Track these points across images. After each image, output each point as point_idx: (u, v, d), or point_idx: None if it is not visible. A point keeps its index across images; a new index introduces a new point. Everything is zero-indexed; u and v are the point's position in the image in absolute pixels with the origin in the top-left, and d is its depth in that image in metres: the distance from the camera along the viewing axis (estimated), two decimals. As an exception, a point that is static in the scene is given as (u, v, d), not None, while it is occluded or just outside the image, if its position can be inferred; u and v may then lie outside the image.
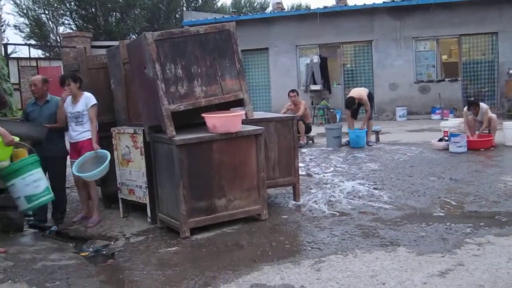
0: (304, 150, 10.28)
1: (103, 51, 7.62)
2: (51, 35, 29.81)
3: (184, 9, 30.37)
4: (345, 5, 17.22)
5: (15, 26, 29.48)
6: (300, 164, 7.65)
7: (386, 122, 15.25)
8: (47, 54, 27.48)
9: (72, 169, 5.93)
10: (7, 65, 11.24)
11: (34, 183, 5.28)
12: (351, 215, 5.63)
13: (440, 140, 9.77)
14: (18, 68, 16.76)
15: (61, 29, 29.52)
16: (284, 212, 5.93)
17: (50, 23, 29.74)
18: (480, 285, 3.61)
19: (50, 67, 18.32)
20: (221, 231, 5.25)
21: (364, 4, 16.31)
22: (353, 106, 10.76)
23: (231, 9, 33.20)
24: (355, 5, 16.59)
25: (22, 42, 27.18)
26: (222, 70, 5.40)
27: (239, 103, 5.64)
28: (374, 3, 16.23)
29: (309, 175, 7.90)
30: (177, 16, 31.07)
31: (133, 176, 5.87)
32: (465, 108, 9.96)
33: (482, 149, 9.16)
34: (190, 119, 5.63)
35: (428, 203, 5.96)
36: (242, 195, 5.39)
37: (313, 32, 16.71)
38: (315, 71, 16.52)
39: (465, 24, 15.57)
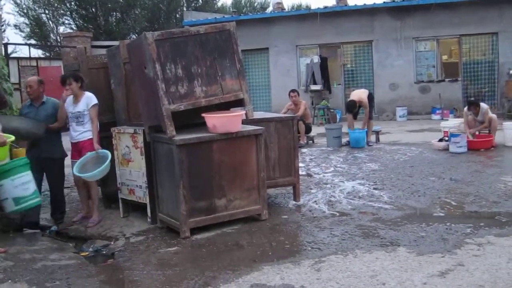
0: (304, 150, 10.28)
1: (103, 51, 7.62)
2: (51, 35, 29.82)
3: (185, 9, 30.37)
4: (346, 5, 17.22)
5: (15, 25, 29.52)
6: (300, 164, 7.65)
7: (386, 122, 15.25)
8: (47, 54, 27.48)
9: (73, 169, 5.93)
10: (7, 65, 11.21)
11: (23, 186, 5.24)
12: (351, 215, 5.63)
13: (440, 140, 9.76)
14: (18, 68, 16.75)
15: (61, 29, 29.55)
16: (284, 212, 5.93)
17: (50, 23, 29.75)
18: (480, 285, 3.61)
19: (50, 67, 18.31)
20: (221, 231, 5.25)
21: (365, 4, 16.31)
22: (354, 110, 10.79)
23: (231, 9, 33.20)
24: (356, 5, 16.59)
25: (22, 42, 27.19)
26: (222, 70, 5.40)
27: (239, 103, 5.64)
28: (374, 3, 16.23)
29: (309, 175, 7.90)
30: (177, 16, 31.07)
31: (133, 176, 5.87)
32: (465, 108, 9.96)
33: (482, 150, 9.16)
34: (190, 119, 5.63)
35: (428, 203, 5.96)
36: (242, 195, 5.39)
37: (313, 32, 16.71)
38: (315, 71, 16.52)
39: (466, 24, 15.56)
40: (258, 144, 5.43)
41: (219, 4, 36.77)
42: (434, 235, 4.75)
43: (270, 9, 31.50)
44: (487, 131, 9.72)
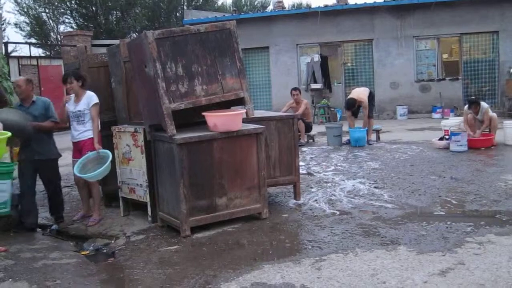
0: (304, 149, 10.28)
1: (103, 50, 7.62)
2: (52, 34, 29.83)
3: (185, 7, 30.36)
4: (346, 4, 17.24)
5: (15, 24, 29.54)
6: (301, 163, 7.65)
7: (387, 121, 15.25)
8: (48, 53, 27.45)
9: (73, 169, 5.92)
10: (8, 64, 11.21)
11: None
12: (352, 214, 5.63)
13: (441, 139, 9.76)
14: (19, 66, 16.75)
15: (61, 27, 29.56)
16: (284, 211, 5.93)
17: (51, 21, 29.74)
18: (481, 284, 3.61)
19: (50, 66, 18.30)
20: (221, 230, 5.25)
21: (365, 3, 16.29)
22: (353, 108, 10.77)
23: (231, 8, 33.15)
24: (356, 3, 16.58)
25: (23, 41, 27.19)
26: (222, 68, 5.40)
27: (239, 102, 5.64)
28: (375, 2, 16.21)
29: (309, 174, 7.90)
30: (177, 14, 31.05)
31: (134, 174, 5.87)
32: (466, 107, 9.96)
33: (482, 148, 9.16)
34: (190, 118, 5.63)
35: (429, 202, 5.96)
36: (242, 193, 5.39)
37: (314, 31, 16.72)
38: (315, 69, 16.52)
39: (466, 23, 15.56)
40: (258, 143, 5.43)
41: (220, 2, 36.83)
42: (435, 234, 4.75)
43: (270, 7, 31.48)
44: (488, 130, 9.72)
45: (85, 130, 5.99)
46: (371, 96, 10.97)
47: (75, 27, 28.03)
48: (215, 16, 18.45)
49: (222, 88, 5.39)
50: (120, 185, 6.10)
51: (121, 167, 6.04)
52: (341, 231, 5.02)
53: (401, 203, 5.96)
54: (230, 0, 38.03)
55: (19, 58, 17.53)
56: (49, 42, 28.55)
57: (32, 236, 5.82)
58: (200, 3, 32.49)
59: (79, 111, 5.97)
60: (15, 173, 5.98)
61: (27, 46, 20.69)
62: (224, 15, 19.64)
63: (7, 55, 15.83)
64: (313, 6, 36.17)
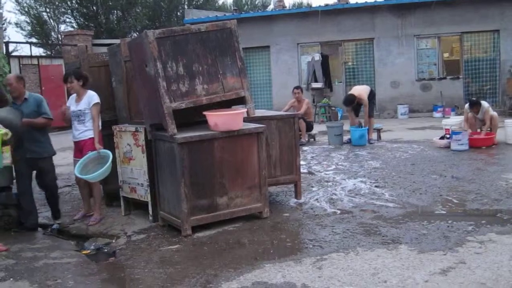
0: (305, 148, 10.27)
1: (104, 49, 7.63)
2: (53, 33, 29.82)
3: (186, 7, 30.35)
4: (347, 3, 17.23)
5: (16, 24, 29.56)
6: (302, 162, 7.65)
7: (388, 120, 15.24)
8: (49, 52, 27.47)
9: (74, 169, 5.92)
10: (9, 63, 11.23)
11: None
12: (353, 213, 5.62)
13: (442, 138, 9.75)
14: (20, 66, 16.77)
15: (62, 27, 29.55)
16: (285, 210, 5.93)
17: (52, 21, 29.74)
18: (482, 283, 3.61)
19: (51, 65, 18.32)
20: (222, 229, 5.25)
21: (366, 2, 16.27)
22: (351, 104, 10.72)
23: (232, 7, 33.14)
24: (357, 2, 16.57)
25: (24, 40, 27.20)
26: (223, 68, 5.40)
27: (240, 101, 5.64)
28: (375, 1, 16.19)
29: (310, 173, 7.90)
30: (178, 14, 31.04)
31: (135, 174, 5.87)
32: (466, 106, 9.96)
33: (483, 147, 9.15)
34: (191, 117, 5.63)
35: (430, 201, 5.96)
36: (243, 193, 5.39)
37: (315, 30, 16.71)
38: (316, 69, 16.52)
39: (467, 21, 15.55)
40: (259, 142, 5.43)
41: (220, 2, 36.76)
42: (436, 233, 4.75)
43: (271, 7, 31.49)
44: (489, 129, 9.71)
45: (86, 130, 5.99)
46: (372, 95, 10.95)
47: (75, 26, 28.03)
48: (216, 16, 18.44)
49: (223, 88, 5.38)
50: (121, 185, 6.10)
51: (122, 167, 6.04)
52: (342, 230, 5.02)
53: (402, 202, 5.96)
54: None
55: (20, 57, 17.56)
56: (49, 42, 28.56)
57: (33, 235, 5.83)
58: (200, 2, 32.47)
59: (80, 110, 5.97)
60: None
61: (28, 45, 20.73)
62: (224, 15, 19.63)
63: (8, 55, 15.84)
64: (313, 5, 36.22)
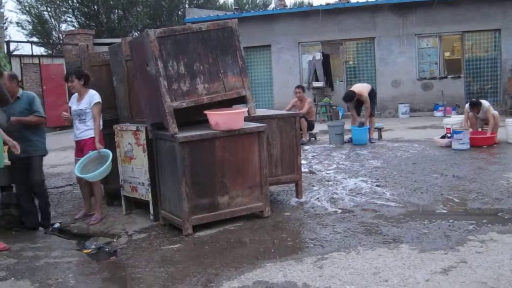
0: (306, 147, 10.27)
1: (105, 49, 7.63)
2: (54, 33, 29.87)
3: (187, 6, 30.37)
4: (348, 2, 17.21)
5: (17, 23, 29.59)
6: (303, 161, 7.65)
7: (389, 119, 15.23)
8: (50, 52, 27.50)
9: (74, 169, 5.92)
10: (10, 63, 11.24)
11: None
12: (354, 212, 5.62)
13: (443, 137, 9.75)
14: (21, 65, 16.79)
15: (63, 26, 29.61)
16: (286, 209, 5.92)
17: (53, 20, 29.79)
18: (483, 282, 3.61)
19: (52, 65, 18.34)
20: (223, 228, 5.25)
21: (367, 1, 16.28)
22: (351, 100, 10.70)
23: (233, 6, 33.16)
24: (358, 2, 16.56)
25: (25, 40, 27.23)
26: (224, 67, 5.39)
27: (241, 100, 5.64)
28: (376, 0, 16.19)
29: (311, 172, 7.90)
30: (179, 13, 31.07)
31: (136, 173, 5.87)
32: (467, 106, 9.95)
33: (484, 146, 9.15)
34: (192, 117, 5.63)
35: (431, 200, 5.95)
36: (244, 192, 5.39)
37: (316, 29, 16.71)
38: (317, 68, 16.51)
39: (468, 21, 15.54)
40: (260, 141, 5.43)
41: (221, 1, 36.76)
42: (437, 232, 4.75)
43: (272, 6, 31.50)
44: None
45: (87, 129, 5.98)
46: (373, 93, 10.94)
47: (77, 25, 28.08)
48: (217, 15, 18.46)
49: (224, 87, 5.38)
50: (122, 184, 6.10)
51: (123, 166, 6.04)
52: (343, 229, 5.02)
53: (403, 201, 5.95)
54: (232, -1, 38.03)
55: (21, 57, 17.58)
56: (51, 41, 28.60)
57: (34, 234, 5.83)
58: (202, 1, 32.49)
59: (81, 109, 5.97)
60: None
61: (29, 45, 20.72)
62: (226, 14, 19.65)
63: (9, 54, 15.86)
64: (315, 4, 36.07)
